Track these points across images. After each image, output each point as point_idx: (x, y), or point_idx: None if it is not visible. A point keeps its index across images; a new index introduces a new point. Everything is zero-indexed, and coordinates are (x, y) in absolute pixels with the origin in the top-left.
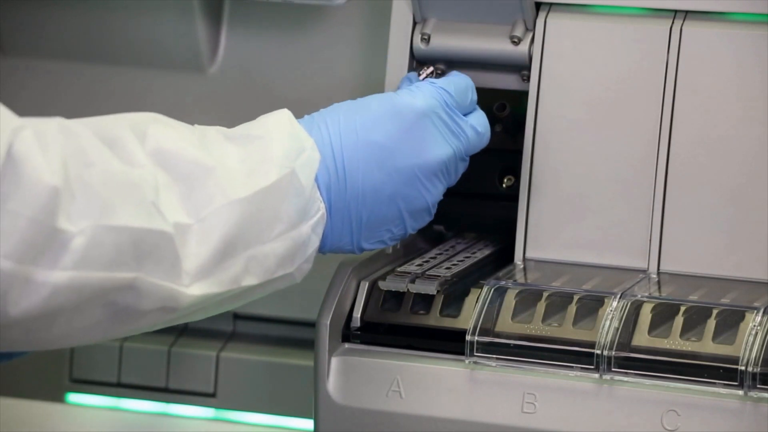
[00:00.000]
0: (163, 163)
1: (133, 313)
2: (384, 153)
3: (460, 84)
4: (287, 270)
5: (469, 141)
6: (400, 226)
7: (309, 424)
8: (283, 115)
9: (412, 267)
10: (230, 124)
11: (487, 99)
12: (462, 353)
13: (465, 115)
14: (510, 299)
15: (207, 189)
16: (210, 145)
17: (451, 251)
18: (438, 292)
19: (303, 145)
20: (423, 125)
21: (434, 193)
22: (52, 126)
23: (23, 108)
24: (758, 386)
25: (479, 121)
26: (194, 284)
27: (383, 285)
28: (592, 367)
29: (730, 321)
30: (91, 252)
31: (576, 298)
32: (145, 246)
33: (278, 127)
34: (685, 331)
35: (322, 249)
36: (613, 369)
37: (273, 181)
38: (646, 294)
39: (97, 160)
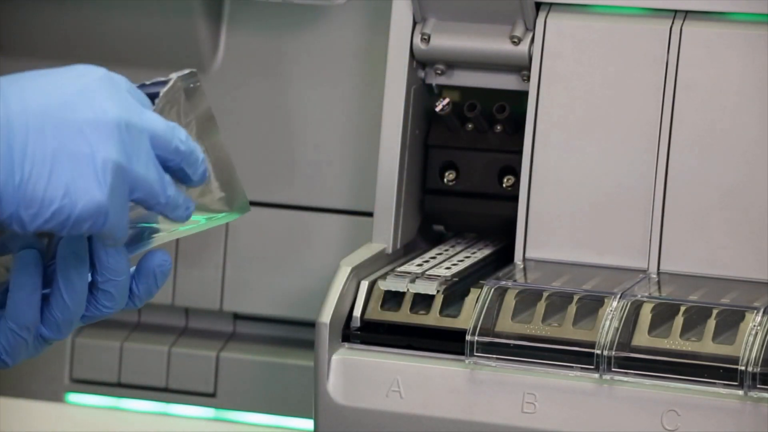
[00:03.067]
0: None
1: None
2: (50, 106)
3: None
4: None
5: (151, 122)
6: (62, 189)
7: (309, 424)
8: None
9: (412, 267)
10: (230, 123)
11: (487, 99)
12: (462, 353)
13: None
14: (510, 299)
15: None
16: None
17: (451, 251)
18: (438, 292)
19: None
20: (97, 87)
21: (104, 155)
22: None
23: None
24: (758, 386)
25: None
26: None
27: (383, 285)
28: (592, 367)
29: (730, 321)
30: None
31: (576, 298)
32: None
33: None
34: (685, 331)
35: None
36: (613, 369)
37: None
38: (646, 294)
39: None
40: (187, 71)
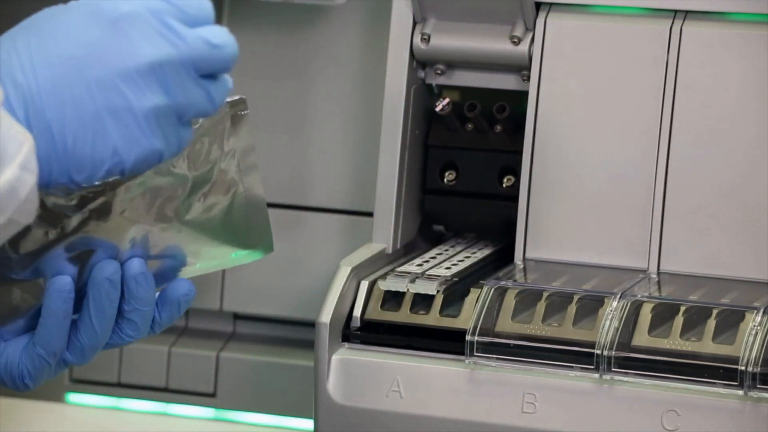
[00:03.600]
0: None
1: None
2: (79, 63)
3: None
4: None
5: (191, 48)
6: (110, 149)
7: (309, 424)
8: None
9: (412, 267)
10: None
11: (487, 99)
12: (462, 353)
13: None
14: (510, 299)
15: None
16: None
17: (451, 251)
18: (438, 292)
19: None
20: (124, 28)
21: (145, 104)
22: None
23: None
24: (758, 386)
25: (213, 32)
26: None
27: (383, 285)
28: (592, 367)
29: (730, 321)
30: None
31: (576, 298)
32: None
33: None
34: (685, 331)
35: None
36: (613, 369)
37: None
38: (646, 294)
39: None
40: (237, 97)
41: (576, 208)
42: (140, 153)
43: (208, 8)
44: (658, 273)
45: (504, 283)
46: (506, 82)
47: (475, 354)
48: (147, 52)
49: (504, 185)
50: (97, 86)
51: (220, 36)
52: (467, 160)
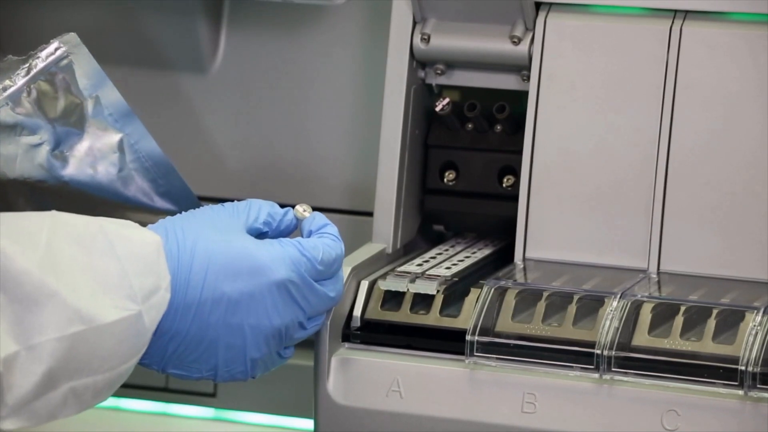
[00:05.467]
0: (3, 283)
1: None
2: (221, 304)
3: (329, 254)
4: (103, 399)
5: (314, 308)
6: (211, 372)
7: (309, 424)
8: (153, 242)
9: (412, 267)
10: (230, 124)
11: (487, 99)
12: (462, 353)
13: (324, 279)
14: (510, 299)
15: (42, 316)
16: (59, 264)
17: (451, 251)
18: (438, 292)
19: (159, 284)
20: (272, 293)
21: (257, 353)
22: None
23: None
24: (758, 386)
25: (335, 286)
26: (10, 418)
27: (383, 285)
28: (592, 367)
29: (730, 321)
30: None
31: (576, 298)
32: None
33: (142, 253)
34: (685, 331)
35: None
36: (613, 369)
37: (114, 320)
38: (646, 294)
39: None
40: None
41: (576, 208)
42: (233, 378)
43: (339, 263)
44: (658, 273)
45: (504, 283)
46: (506, 82)
47: (475, 354)
48: (276, 322)
49: (504, 185)
50: (227, 326)
51: (337, 289)
52: (467, 160)
